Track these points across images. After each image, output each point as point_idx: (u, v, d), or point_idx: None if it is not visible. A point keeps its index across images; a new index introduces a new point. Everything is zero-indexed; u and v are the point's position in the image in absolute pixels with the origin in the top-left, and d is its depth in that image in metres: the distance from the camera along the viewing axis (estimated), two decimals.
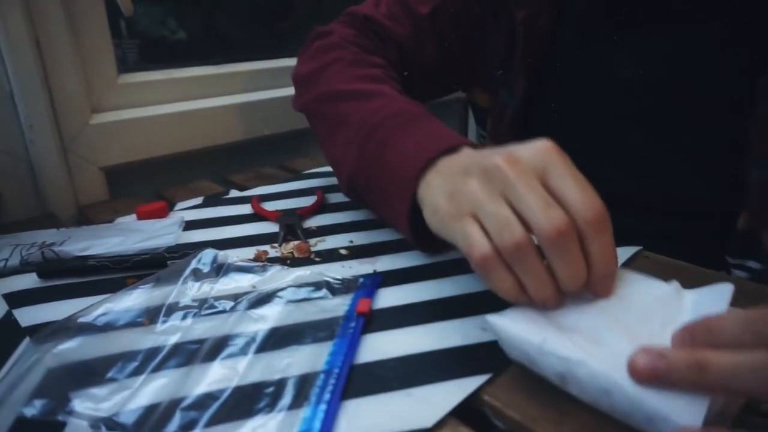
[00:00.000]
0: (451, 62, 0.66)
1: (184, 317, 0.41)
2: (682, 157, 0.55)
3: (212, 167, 0.83)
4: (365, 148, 0.48)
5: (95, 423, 0.31)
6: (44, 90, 0.64)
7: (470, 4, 0.63)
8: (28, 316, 0.43)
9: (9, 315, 0.43)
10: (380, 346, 0.38)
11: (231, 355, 0.36)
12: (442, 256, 0.50)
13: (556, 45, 0.59)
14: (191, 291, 0.44)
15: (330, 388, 0.33)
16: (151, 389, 0.33)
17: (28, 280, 0.48)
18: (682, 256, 0.49)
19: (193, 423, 0.31)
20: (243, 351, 0.37)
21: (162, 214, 0.62)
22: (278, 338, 0.38)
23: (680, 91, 0.53)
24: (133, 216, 0.63)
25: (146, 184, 0.77)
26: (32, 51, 0.62)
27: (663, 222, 0.57)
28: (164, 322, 0.40)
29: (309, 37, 0.66)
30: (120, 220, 0.63)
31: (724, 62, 0.51)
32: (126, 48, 0.78)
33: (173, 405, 0.32)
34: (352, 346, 0.37)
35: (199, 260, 0.47)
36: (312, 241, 0.54)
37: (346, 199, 0.66)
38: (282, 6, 1.11)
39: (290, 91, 0.91)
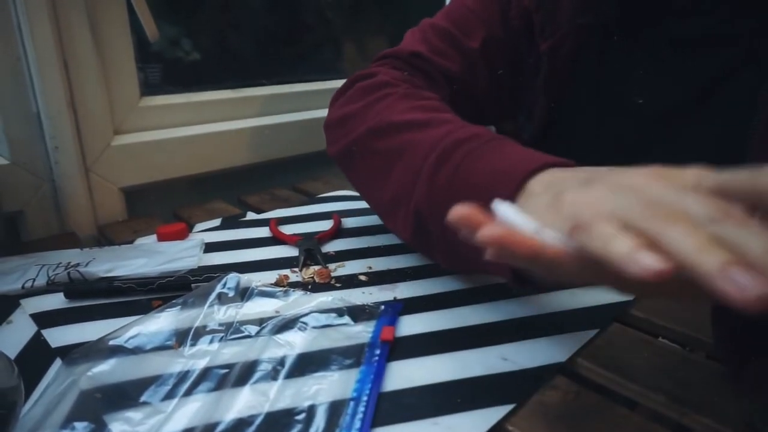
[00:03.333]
0: (499, 92, 0.66)
1: (212, 341, 0.42)
2: None
3: (227, 188, 0.84)
4: (437, 177, 0.42)
5: None
6: (70, 112, 0.66)
7: (512, 32, 0.64)
8: (57, 336, 0.44)
9: (39, 335, 0.44)
10: (405, 374, 0.39)
11: (260, 381, 0.37)
12: (461, 284, 0.51)
13: (575, 72, 0.61)
14: (217, 315, 0.45)
15: (360, 416, 0.34)
16: (184, 413, 0.34)
17: (55, 300, 0.49)
18: None
19: None
20: (272, 376, 0.38)
21: (182, 235, 0.63)
22: (305, 364, 0.39)
23: (687, 116, 0.55)
24: (153, 236, 0.64)
25: (162, 203, 0.79)
26: (60, 74, 0.64)
27: None
28: (192, 345, 0.41)
29: (347, 81, 0.61)
30: (140, 240, 0.64)
31: (731, 88, 0.52)
32: (149, 71, 0.80)
33: (208, 430, 0.33)
34: (379, 373, 0.38)
35: (224, 284, 0.49)
36: (331, 266, 0.56)
37: (363, 224, 0.67)
38: (293, 29, 1.13)
39: (304, 115, 0.94)
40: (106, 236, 0.70)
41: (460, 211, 0.28)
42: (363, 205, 0.74)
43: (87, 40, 0.66)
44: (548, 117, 0.63)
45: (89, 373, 0.37)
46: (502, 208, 0.30)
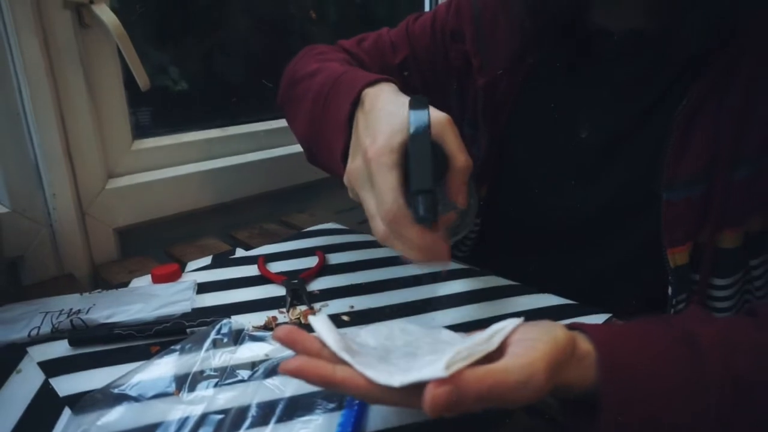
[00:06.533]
0: None
1: (208, 386, 0.46)
2: (626, 213, 0.61)
3: (217, 223, 0.88)
4: (314, 114, 0.59)
5: None
6: (66, 160, 0.69)
7: (436, 60, 0.71)
8: (64, 385, 0.47)
9: (47, 384, 0.48)
10: (385, 416, 0.43)
11: (252, 426, 0.42)
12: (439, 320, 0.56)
13: (518, 106, 0.66)
14: (213, 360, 0.49)
15: None
16: None
17: (60, 348, 0.53)
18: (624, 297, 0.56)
19: None
20: (263, 421, 0.42)
21: (175, 277, 0.67)
22: (293, 408, 0.43)
23: (623, 145, 0.60)
24: (148, 277, 0.68)
25: (155, 241, 0.82)
26: (57, 126, 0.67)
27: (605, 270, 0.64)
28: (191, 391, 0.45)
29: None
30: (136, 282, 0.68)
31: (658, 117, 0.57)
32: (140, 114, 0.84)
33: None
34: (360, 416, 0.42)
35: (218, 330, 0.53)
36: (316, 305, 0.60)
37: (346, 261, 0.71)
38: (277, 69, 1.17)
39: (287, 150, 0.98)
40: (102, 276, 0.73)
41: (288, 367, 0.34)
42: (347, 239, 0.78)
43: (82, 93, 0.70)
44: (494, 147, 0.68)
45: (99, 423, 0.41)
46: (318, 324, 0.39)
